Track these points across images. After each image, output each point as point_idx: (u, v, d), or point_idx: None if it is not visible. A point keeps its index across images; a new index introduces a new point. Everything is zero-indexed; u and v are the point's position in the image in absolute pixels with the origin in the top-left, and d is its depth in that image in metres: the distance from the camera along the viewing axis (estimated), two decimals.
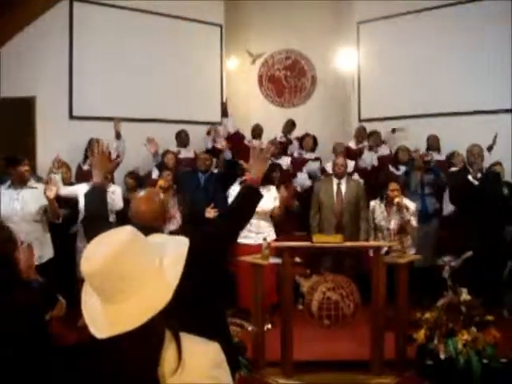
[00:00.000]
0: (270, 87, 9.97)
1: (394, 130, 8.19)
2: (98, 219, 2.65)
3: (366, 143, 8.07)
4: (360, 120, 9.15)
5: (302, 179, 7.73)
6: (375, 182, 6.93)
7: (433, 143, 7.71)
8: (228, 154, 7.14)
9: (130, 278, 1.31)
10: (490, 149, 6.98)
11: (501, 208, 6.05)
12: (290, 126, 8.73)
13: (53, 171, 5.94)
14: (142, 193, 2.59)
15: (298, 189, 7.57)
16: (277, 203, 5.97)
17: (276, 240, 5.83)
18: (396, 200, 5.45)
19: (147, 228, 2.11)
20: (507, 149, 7.13)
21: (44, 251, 5.27)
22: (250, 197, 2.60)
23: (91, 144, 7.16)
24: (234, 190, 6.01)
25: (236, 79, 9.66)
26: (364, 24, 9.19)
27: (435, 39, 8.27)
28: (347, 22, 9.42)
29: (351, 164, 7.31)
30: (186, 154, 7.84)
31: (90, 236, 1.42)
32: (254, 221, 5.46)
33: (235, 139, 8.52)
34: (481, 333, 4.21)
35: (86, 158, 7.08)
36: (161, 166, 6.90)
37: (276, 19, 9.45)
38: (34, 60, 7.27)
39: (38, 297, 2.60)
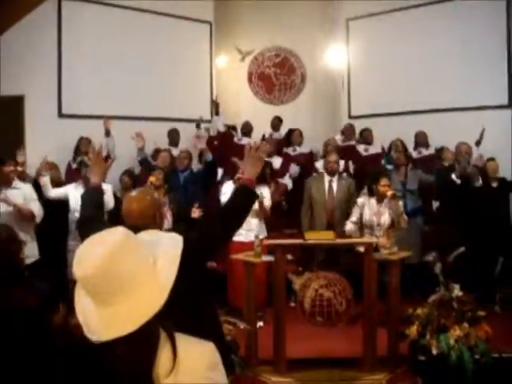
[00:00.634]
0: (259, 84, 9.95)
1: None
2: (94, 220, 2.63)
3: (353, 142, 8.09)
4: (350, 117, 9.16)
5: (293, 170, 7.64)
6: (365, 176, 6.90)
7: (421, 139, 7.73)
8: (209, 156, 7.12)
9: (124, 280, 1.29)
10: (477, 143, 7.05)
11: (488, 203, 6.09)
12: (277, 122, 8.71)
13: (42, 174, 5.89)
14: (133, 192, 2.56)
15: (290, 184, 7.50)
16: (268, 203, 5.96)
17: (267, 238, 5.81)
18: (389, 192, 5.39)
19: (139, 228, 2.09)
20: (499, 144, 7.20)
21: (29, 252, 5.19)
22: (246, 196, 2.57)
23: (81, 142, 7.16)
24: (226, 188, 5.97)
25: (226, 76, 9.63)
26: (353, 21, 9.19)
27: (425, 36, 8.30)
28: (337, 19, 9.43)
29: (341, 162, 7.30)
30: (176, 152, 7.80)
31: (85, 237, 1.39)
32: None
33: (225, 137, 8.50)
34: (473, 328, 4.22)
35: (75, 156, 7.06)
36: (144, 163, 6.90)
37: (265, 16, 9.43)
38: (23, 58, 7.21)
39: (44, 299, 2.58)
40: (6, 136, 6.80)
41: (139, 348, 1.33)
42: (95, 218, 2.68)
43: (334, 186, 6.37)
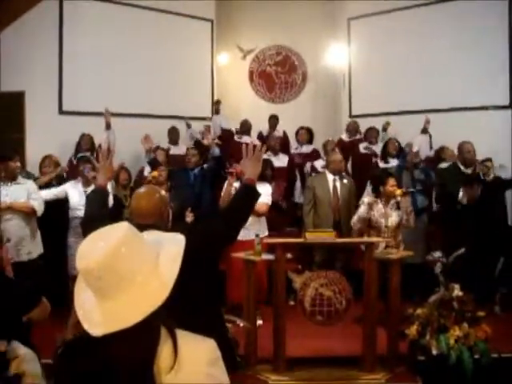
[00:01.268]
0: (260, 83, 9.95)
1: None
2: (98, 219, 2.63)
3: (358, 136, 8.12)
4: (351, 116, 9.16)
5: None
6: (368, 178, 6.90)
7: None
8: (216, 151, 7.04)
9: (127, 274, 1.29)
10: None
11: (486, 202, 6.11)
12: (274, 121, 8.69)
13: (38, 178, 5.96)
14: (141, 190, 2.57)
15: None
16: (268, 201, 5.93)
17: (268, 236, 5.79)
18: (399, 191, 5.38)
19: (148, 225, 2.10)
20: (499, 144, 7.20)
21: (34, 247, 5.27)
22: (248, 196, 2.61)
23: (82, 139, 7.17)
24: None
25: (227, 74, 9.63)
26: (355, 20, 9.19)
27: (426, 36, 8.30)
28: (338, 18, 9.44)
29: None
30: (176, 151, 7.81)
31: (88, 235, 1.39)
32: None
33: (225, 136, 8.49)
34: (472, 329, 4.22)
35: (76, 152, 7.07)
36: (154, 163, 6.89)
37: (267, 15, 9.43)
38: (24, 54, 7.21)
39: (19, 295, 2.60)
40: (7, 132, 6.79)
41: (140, 343, 1.32)
42: (99, 216, 2.70)
43: (338, 185, 6.34)
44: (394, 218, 5.49)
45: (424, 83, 8.24)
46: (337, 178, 6.36)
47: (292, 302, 5.51)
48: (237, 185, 5.75)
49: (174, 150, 7.79)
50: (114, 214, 2.76)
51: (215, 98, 9.15)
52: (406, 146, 7.12)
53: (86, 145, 7.16)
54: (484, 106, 7.73)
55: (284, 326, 4.62)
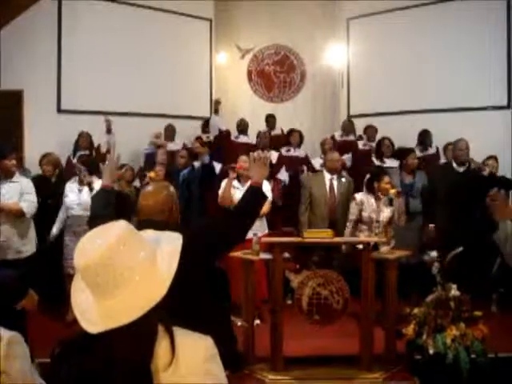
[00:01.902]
0: (259, 82, 9.95)
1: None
2: (105, 220, 2.65)
3: (352, 137, 8.11)
4: (349, 116, 9.17)
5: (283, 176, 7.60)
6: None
7: (425, 138, 7.71)
8: (206, 158, 6.98)
9: (123, 272, 1.30)
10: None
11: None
12: (272, 120, 8.69)
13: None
14: (149, 187, 2.60)
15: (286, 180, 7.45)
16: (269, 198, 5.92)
17: (267, 235, 5.79)
18: (393, 191, 5.41)
19: (156, 222, 2.11)
20: (499, 144, 7.21)
21: (25, 246, 5.18)
22: (256, 198, 2.67)
23: (81, 137, 7.18)
24: (238, 188, 5.89)
25: (225, 74, 9.64)
26: (354, 20, 9.20)
27: (425, 36, 8.31)
28: (337, 18, 9.45)
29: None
30: (171, 147, 7.79)
31: None
32: None
33: (222, 136, 8.48)
34: (469, 328, 4.22)
35: (75, 151, 7.07)
36: (150, 157, 6.92)
37: (266, 14, 9.45)
38: (22, 53, 7.21)
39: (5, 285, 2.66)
40: (5, 130, 6.79)
41: (137, 340, 1.33)
42: (104, 216, 2.72)
43: (335, 184, 6.35)
44: (385, 214, 5.52)
45: (423, 83, 8.25)
46: (334, 177, 6.36)
47: (289, 301, 5.52)
48: (236, 183, 5.79)
49: (169, 147, 7.76)
50: (120, 211, 2.78)
51: (215, 98, 9.15)
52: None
53: (84, 143, 7.17)
54: (483, 106, 7.75)
55: (281, 325, 4.62)
